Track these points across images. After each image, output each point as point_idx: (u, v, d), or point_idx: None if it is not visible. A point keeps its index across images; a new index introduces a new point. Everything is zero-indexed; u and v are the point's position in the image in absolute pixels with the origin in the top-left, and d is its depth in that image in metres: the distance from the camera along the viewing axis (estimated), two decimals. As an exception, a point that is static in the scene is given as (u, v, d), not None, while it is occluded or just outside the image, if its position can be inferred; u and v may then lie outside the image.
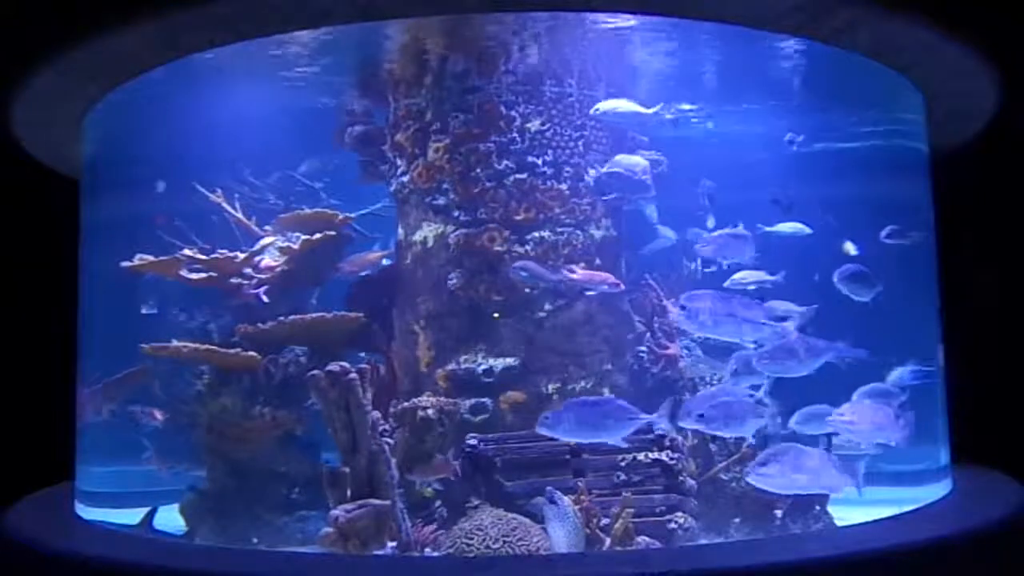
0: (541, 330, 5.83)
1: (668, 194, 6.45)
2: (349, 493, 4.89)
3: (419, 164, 5.98)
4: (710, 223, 6.90)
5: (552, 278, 5.54)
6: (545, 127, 5.89)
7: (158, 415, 5.82)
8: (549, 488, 4.91)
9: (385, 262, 6.45)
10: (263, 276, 6.11)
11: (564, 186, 5.90)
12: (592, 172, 5.98)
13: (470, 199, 5.83)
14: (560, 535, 4.65)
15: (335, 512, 4.88)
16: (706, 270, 6.41)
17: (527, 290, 5.76)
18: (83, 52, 5.19)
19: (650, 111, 5.86)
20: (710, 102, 6.74)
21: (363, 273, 6.46)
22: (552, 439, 5.18)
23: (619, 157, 5.92)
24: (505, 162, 5.83)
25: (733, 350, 6.03)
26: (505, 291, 5.78)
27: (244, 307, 6.07)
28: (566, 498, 4.86)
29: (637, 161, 5.91)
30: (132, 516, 5.61)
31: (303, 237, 6.20)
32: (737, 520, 5.69)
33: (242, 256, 6.13)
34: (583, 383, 5.83)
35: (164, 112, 6.27)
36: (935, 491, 5.72)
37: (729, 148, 7.12)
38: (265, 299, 6.02)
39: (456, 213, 5.86)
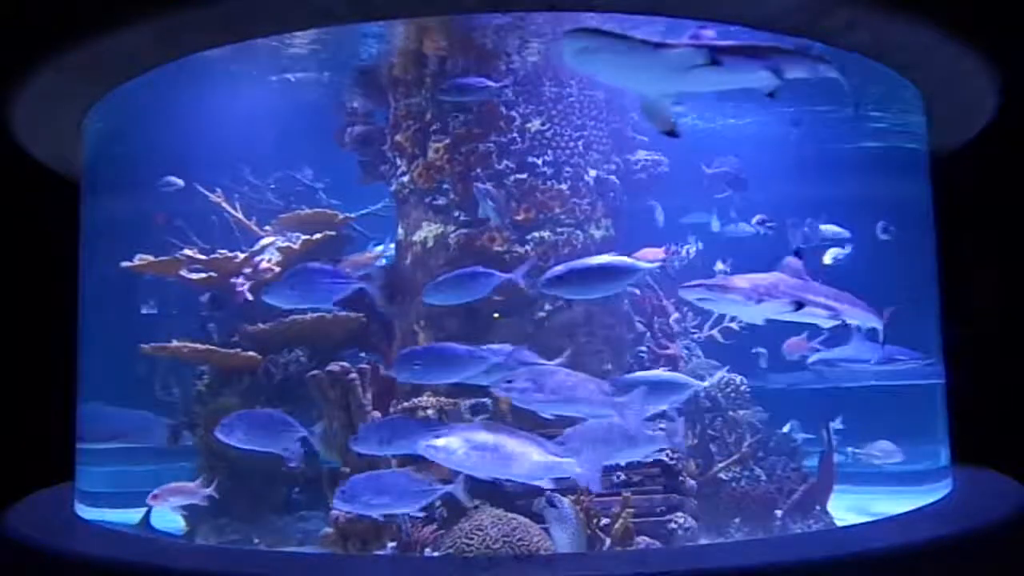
0: (541, 330, 5.82)
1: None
2: (349, 493, 4.88)
3: (419, 164, 5.98)
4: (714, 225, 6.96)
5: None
6: (545, 127, 5.89)
7: None
8: (549, 491, 4.91)
9: (381, 261, 6.45)
10: (250, 274, 6.11)
11: (564, 186, 5.89)
12: (592, 172, 5.99)
13: (470, 199, 5.83)
14: (561, 537, 4.65)
15: (335, 512, 4.88)
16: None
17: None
18: (83, 52, 5.19)
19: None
20: (710, 101, 6.74)
21: (359, 273, 6.45)
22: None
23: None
24: (505, 162, 5.83)
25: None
26: (505, 291, 5.78)
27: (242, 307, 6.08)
28: (566, 500, 4.85)
29: None
30: (132, 516, 5.62)
31: (303, 237, 6.20)
32: (737, 520, 5.70)
33: (242, 256, 6.14)
34: (583, 383, 5.83)
35: (164, 112, 6.27)
36: (935, 491, 5.72)
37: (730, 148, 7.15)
38: (249, 297, 5.99)
39: (456, 213, 5.86)
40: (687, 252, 6.85)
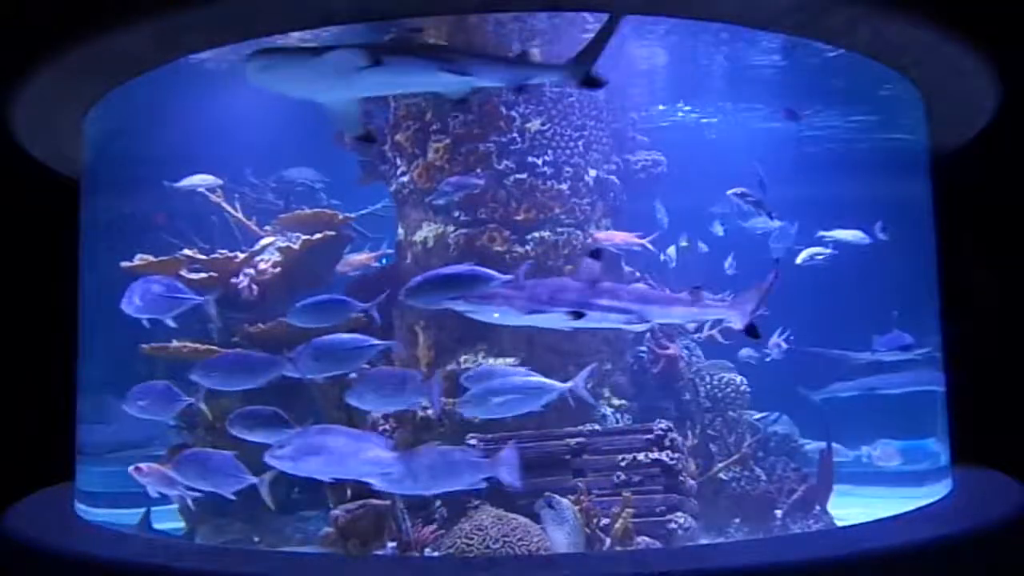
0: (541, 330, 5.82)
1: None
2: (349, 493, 4.89)
3: (419, 164, 5.98)
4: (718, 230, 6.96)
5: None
6: (545, 127, 5.89)
7: None
8: (547, 493, 4.91)
9: (375, 264, 6.45)
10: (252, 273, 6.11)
11: (564, 186, 5.90)
12: (592, 172, 5.99)
13: (470, 199, 5.83)
14: (559, 538, 4.65)
15: (335, 512, 4.88)
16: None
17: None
18: (83, 52, 5.19)
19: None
20: (709, 101, 6.75)
21: (355, 273, 6.45)
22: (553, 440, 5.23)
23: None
24: (505, 162, 5.83)
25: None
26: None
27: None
28: (564, 501, 4.85)
29: None
30: (132, 516, 5.61)
31: (303, 237, 6.20)
32: (737, 520, 5.70)
33: (242, 256, 6.13)
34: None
35: (164, 112, 6.27)
36: (935, 491, 5.72)
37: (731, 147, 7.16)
38: (255, 293, 6.01)
39: (456, 213, 5.86)
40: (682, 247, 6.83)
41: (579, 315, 4.30)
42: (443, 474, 4.39)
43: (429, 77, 4.29)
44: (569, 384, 4.87)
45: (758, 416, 6.22)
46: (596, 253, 4.60)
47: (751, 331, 4.64)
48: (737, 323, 4.65)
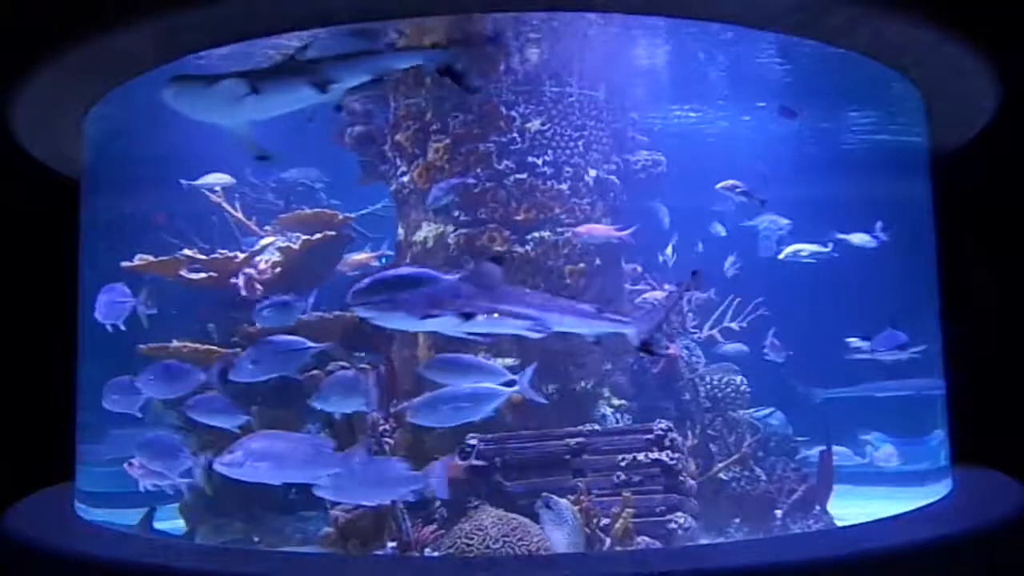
0: (541, 330, 5.82)
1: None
2: (349, 493, 4.88)
3: (419, 164, 5.98)
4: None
5: None
6: (545, 127, 5.89)
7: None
8: (544, 494, 4.91)
9: (375, 264, 6.45)
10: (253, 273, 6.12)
11: (564, 186, 5.90)
12: (592, 172, 5.99)
13: (470, 199, 5.83)
14: (558, 538, 4.65)
15: (335, 512, 4.88)
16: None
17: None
18: (83, 52, 5.19)
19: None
20: (709, 101, 6.75)
21: (352, 273, 6.45)
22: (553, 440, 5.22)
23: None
24: (505, 162, 5.83)
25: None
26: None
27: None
28: (562, 501, 4.84)
29: None
30: (132, 516, 5.61)
31: (303, 237, 6.20)
32: (737, 520, 5.69)
33: (242, 256, 6.13)
34: (583, 383, 5.83)
35: (164, 112, 6.26)
36: (935, 491, 5.72)
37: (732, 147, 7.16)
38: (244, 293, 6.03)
39: (456, 213, 5.86)
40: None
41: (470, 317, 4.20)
42: (376, 484, 4.49)
43: (301, 95, 4.41)
44: (515, 388, 4.84)
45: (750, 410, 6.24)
46: (498, 258, 4.58)
47: (646, 348, 4.59)
48: (634, 340, 4.59)
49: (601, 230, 5.77)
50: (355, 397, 4.94)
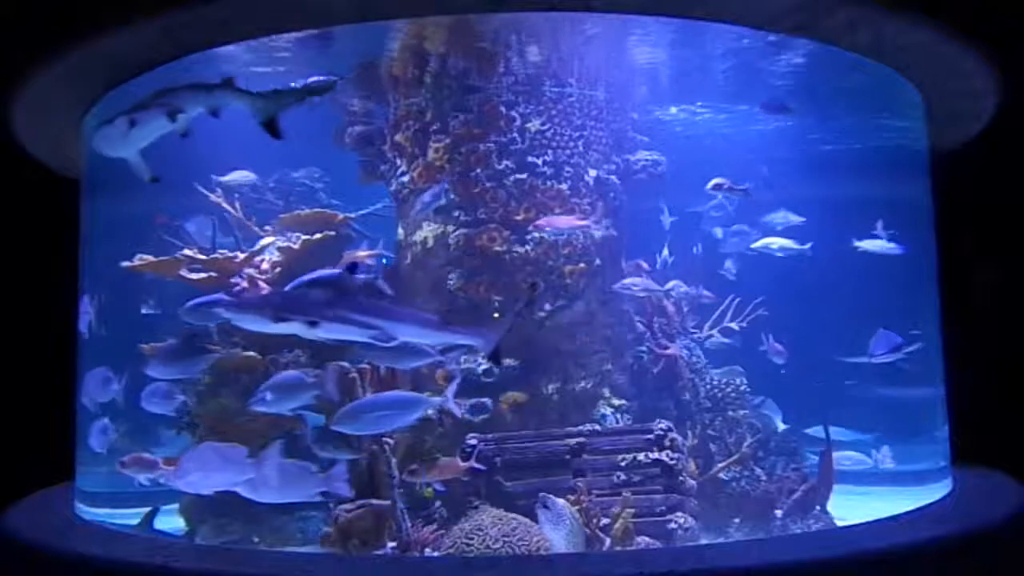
0: (541, 330, 5.83)
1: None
2: (349, 493, 4.88)
3: (419, 164, 5.98)
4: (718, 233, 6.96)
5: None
6: (545, 127, 5.89)
7: None
8: (542, 494, 4.90)
9: (369, 262, 6.44)
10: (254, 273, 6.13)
11: (564, 186, 5.90)
12: (592, 172, 5.99)
13: (470, 199, 5.83)
14: (555, 538, 4.65)
15: (335, 512, 4.88)
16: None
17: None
18: (83, 52, 5.19)
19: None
20: (710, 101, 6.75)
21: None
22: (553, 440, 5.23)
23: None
24: (505, 162, 5.83)
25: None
26: (505, 291, 5.78)
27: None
28: (560, 501, 4.84)
29: None
30: (132, 517, 5.61)
31: (303, 237, 6.20)
32: (737, 520, 5.69)
33: (242, 256, 6.13)
34: (583, 383, 5.83)
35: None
36: (935, 491, 5.72)
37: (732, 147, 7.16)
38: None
39: (456, 213, 5.86)
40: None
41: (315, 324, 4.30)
42: (285, 485, 4.64)
43: (160, 124, 4.65)
44: (439, 399, 4.96)
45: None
46: (352, 266, 4.74)
47: (495, 358, 4.74)
48: (482, 351, 4.75)
49: (562, 222, 5.74)
50: (297, 396, 4.99)
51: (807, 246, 6.92)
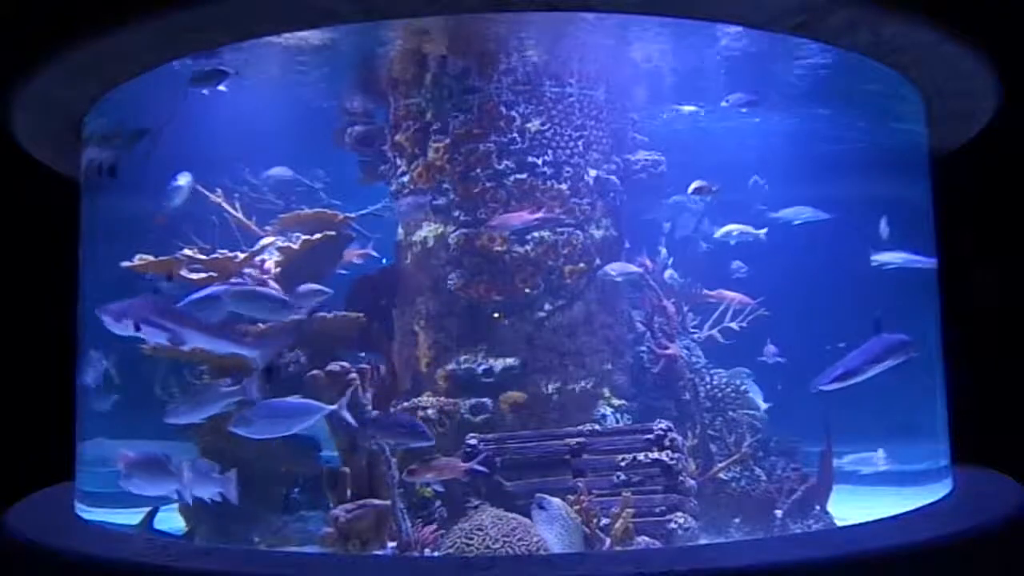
0: (541, 330, 5.83)
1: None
2: (349, 493, 4.89)
3: (419, 164, 5.98)
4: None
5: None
6: (545, 127, 5.89)
7: None
8: (538, 495, 4.90)
9: (357, 262, 6.45)
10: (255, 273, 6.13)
11: (564, 186, 5.90)
12: (592, 172, 5.99)
13: (470, 199, 5.83)
14: (551, 538, 4.64)
15: (335, 512, 4.88)
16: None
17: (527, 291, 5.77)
18: (83, 52, 5.19)
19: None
20: (709, 101, 6.75)
21: (341, 271, 6.45)
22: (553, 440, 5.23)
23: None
24: (505, 162, 5.83)
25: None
26: (505, 291, 5.79)
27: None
28: (555, 500, 4.83)
29: None
30: (132, 516, 5.61)
31: (303, 237, 6.20)
32: (737, 520, 5.69)
33: (242, 256, 6.13)
34: (583, 383, 5.83)
35: (164, 112, 6.26)
36: (935, 491, 5.72)
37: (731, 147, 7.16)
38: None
39: (456, 213, 5.86)
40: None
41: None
42: (195, 483, 5.08)
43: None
44: (333, 406, 5.00)
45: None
46: (169, 276, 5.20)
47: (268, 373, 5.07)
48: (257, 363, 5.05)
49: (515, 219, 5.73)
50: (212, 406, 5.18)
51: (762, 232, 6.87)
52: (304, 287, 5.62)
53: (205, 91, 5.51)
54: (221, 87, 5.45)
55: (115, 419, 6.19)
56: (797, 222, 6.84)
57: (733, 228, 6.88)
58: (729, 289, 6.69)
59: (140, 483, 5.22)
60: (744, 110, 6.14)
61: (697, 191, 6.28)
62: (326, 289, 5.67)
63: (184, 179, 6.33)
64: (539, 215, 5.70)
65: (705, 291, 6.26)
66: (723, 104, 6.08)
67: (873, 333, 5.19)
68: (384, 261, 6.46)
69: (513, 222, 5.67)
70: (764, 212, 6.81)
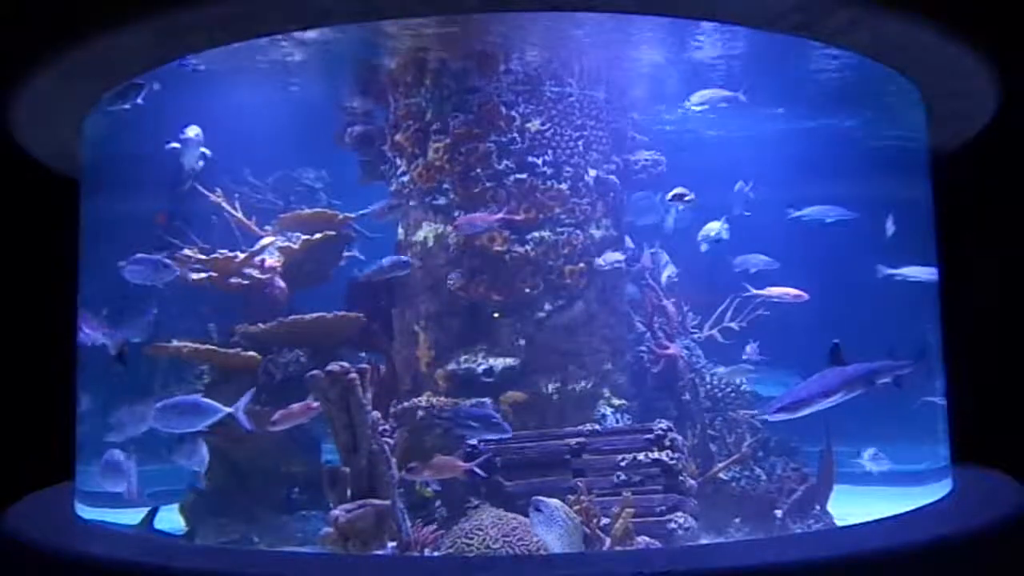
0: (541, 330, 5.83)
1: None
2: (349, 493, 4.89)
3: (419, 164, 5.98)
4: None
5: None
6: (545, 127, 5.89)
7: None
8: (534, 497, 4.90)
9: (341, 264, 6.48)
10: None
11: (564, 186, 5.90)
12: (592, 172, 5.99)
13: (470, 199, 5.83)
14: (550, 539, 4.64)
15: (335, 512, 4.88)
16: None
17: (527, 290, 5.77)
18: (83, 52, 5.19)
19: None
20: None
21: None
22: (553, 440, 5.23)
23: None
24: (505, 162, 5.83)
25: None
26: (505, 291, 5.79)
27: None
28: (552, 501, 4.82)
29: None
30: (132, 516, 5.62)
31: (303, 237, 6.20)
32: (737, 520, 5.69)
33: (242, 256, 6.13)
34: (583, 383, 5.83)
35: (164, 112, 6.26)
36: (935, 491, 5.72)
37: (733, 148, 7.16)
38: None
39: (456, 213, 5.85)
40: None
41: None
42: None
43: None
44: (230, 408, 5.23)
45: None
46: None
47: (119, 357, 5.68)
48: (112, 349, 5.75)
49: (479, 218, 5.72)
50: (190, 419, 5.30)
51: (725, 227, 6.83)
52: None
53: (127, 105, 5.65)
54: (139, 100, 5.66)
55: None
56: (829, 220, 6.79)
57: (712, 227, 6.84)
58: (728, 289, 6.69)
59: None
60: (724, 104, 6.12)
61: (676, 197, 6.26)
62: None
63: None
64: (498, 217, 5.71)
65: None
66: (687, 104, 6.10)
67: (830, 362, 4.93)
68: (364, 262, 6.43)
69: (476, 221, 5.69)
70: (747, 217, 6.79)
